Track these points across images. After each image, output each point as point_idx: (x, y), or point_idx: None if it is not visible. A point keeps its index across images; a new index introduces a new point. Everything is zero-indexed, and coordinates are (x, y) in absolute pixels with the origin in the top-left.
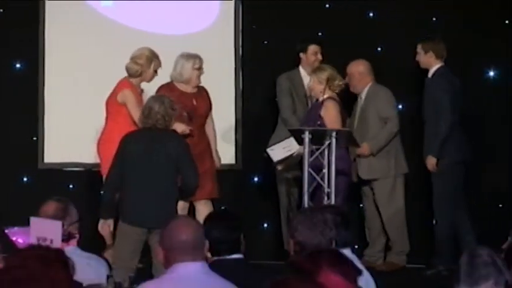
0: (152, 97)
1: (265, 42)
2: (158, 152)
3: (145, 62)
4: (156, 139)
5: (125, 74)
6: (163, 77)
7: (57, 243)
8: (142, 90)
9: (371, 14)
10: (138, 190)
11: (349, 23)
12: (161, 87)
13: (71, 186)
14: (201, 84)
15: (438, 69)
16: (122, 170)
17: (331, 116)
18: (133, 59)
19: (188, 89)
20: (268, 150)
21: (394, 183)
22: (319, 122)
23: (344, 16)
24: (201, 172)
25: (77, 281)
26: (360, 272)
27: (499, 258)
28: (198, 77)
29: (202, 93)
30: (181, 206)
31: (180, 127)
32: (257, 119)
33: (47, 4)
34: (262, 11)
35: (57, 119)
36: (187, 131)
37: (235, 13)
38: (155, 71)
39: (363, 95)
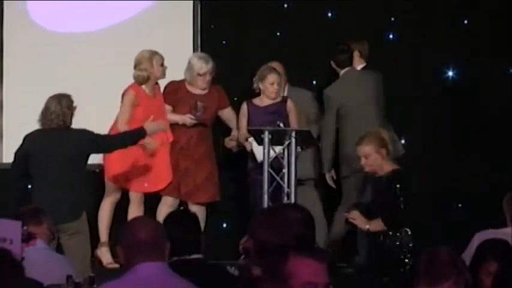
0: (51, 97)
1: (224, 42)
2: (56, 152)
3: (147, 65)
4: (52, 139)
5: (85, 76)
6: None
7: (17, 244)
8: (154, 94)
9: (329, 14)
10: (42, 191)
11: (307, 23)
12: (170, 84)
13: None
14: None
15: (363, 68)
16: (25, 168)
17: (296, 114)
18: (137, 66)
19: (196, 90)
20: (251, 140)
21: (313, 186)
22: (279, 123)
23: (303, 16)
24: (203, 177)
25: (36, 280)
26: (328, 254)
27: (458, 258)
28: (204, 81)
29: (212, 95)
30: (170, 203)
31: (185, 119)
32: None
33: (5, 4)
34: (220, 11)
35: (16, 118)
36: (194, 121)
37: (194, 13)
38: (161, 65)
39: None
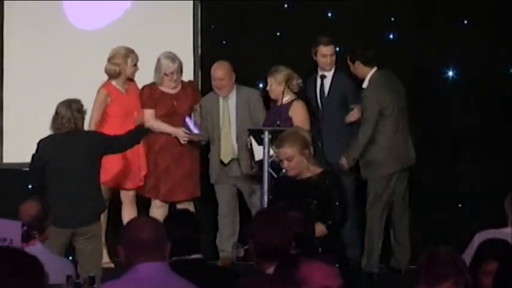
0: (60, 102)
1: (224, 42)
2: (71, 156)
3: (122, 60)
4: (66, 143)
5: (85, 75)
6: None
7: (17, 244)
8: (127, 90)
9: (329, 14)
10: (60, 196)
11: (307, 23)
12: (144, 87)
13: (30, 186)
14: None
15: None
16: (42, 173)
17: (301, 116)
18: (110, 60)
19: (169, 89)
20: (252, 139)
21: None
22: (279, 123)
23: (303, 16)
24: (182, 174)
25: None
26: (333, 259)
27: (458, 258)
28: (172, 81)
29: (186, 92)
30: (159, 204)
31: (178, 133)
32: None
33: (6, 4)
34: (220, 11)
35: (16, 118)
36: (188, 137)
37: (194, 13)
38: (135, 65)
39: (231, 96)
